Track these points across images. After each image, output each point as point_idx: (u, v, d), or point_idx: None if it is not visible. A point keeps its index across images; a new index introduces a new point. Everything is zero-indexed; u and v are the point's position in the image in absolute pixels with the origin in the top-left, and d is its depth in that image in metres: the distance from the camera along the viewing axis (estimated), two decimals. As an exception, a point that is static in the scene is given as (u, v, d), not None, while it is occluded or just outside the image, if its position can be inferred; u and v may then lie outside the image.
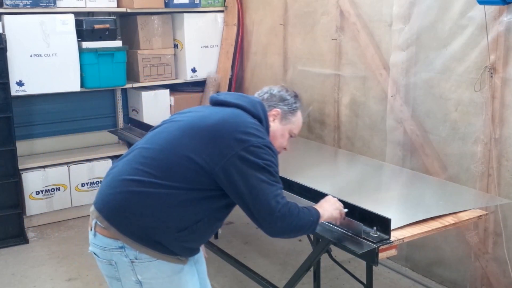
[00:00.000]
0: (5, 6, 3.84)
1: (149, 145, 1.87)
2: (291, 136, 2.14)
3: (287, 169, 2.98)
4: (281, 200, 1.78)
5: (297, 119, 2.12)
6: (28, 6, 3.90)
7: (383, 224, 2.00)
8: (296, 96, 2.13)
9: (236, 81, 4.86)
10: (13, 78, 3.88)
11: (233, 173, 1.75)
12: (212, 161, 1.77)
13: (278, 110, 2.07)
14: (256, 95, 2.14)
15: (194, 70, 4.67)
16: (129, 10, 4.32)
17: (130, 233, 1.78)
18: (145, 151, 1.86)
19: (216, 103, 2.00)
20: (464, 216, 2.25)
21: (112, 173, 1.89)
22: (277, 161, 1.87)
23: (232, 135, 1.79)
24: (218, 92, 2.05)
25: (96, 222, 1.83)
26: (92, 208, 1.89)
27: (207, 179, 1.78)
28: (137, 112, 4.58)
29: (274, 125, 2.06)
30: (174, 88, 4.74)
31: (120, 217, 1.79)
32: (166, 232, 1.79)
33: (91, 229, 1.87)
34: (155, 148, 1.85)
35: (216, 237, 3.98)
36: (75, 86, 4.13)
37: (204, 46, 4.72)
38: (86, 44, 4.12)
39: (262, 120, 1.96)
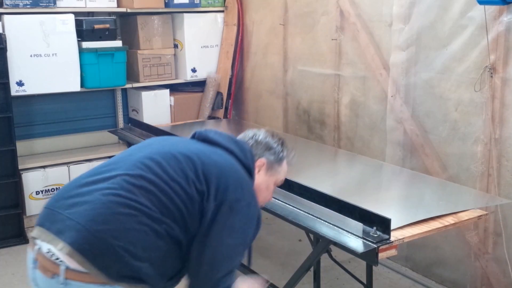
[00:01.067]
0: (5, 6, 3.83)
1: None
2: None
3: (287, 169, 2.98)
4: (228, 281, 1.66)
5: (283, 168, 1.95)
6: (28, 6, 3.90)
7: (383, 224, 2.00)
8: (282, 144, 1.95)
9: (236, 81, 4.86)
10: (13, 78, 3.88)
11: (220, 216, 1.63)
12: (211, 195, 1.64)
13: (264, 160, 1.88)
14: (240, 138, 1.96)
15: (194, 70, 4.67)
16: (129, 10, 4.32)
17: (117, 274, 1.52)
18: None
19: (204, 140, 1.84)
20: (464, 216, 2.25)
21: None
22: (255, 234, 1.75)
23: (232, 183, 1.67)
24: (205, 129, 1.89)
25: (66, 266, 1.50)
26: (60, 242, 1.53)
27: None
28: (137, 112, 4.58)
29: (259, 177, 1.87)
30: (174, 88, 4.74)
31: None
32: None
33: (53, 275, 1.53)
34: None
35: (216, 237, 3.98)
36: (75, 86, 4.13)
37: (204, 46, 4.71)
38: (86, 44, 4.12)
39: (251, 173, 1.81)
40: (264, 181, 1.88)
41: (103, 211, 1.53)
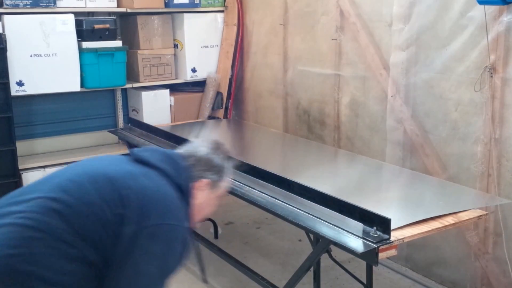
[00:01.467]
0: (5, 6, 3.83)
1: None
2: None
3: (287, 169, 2.99)
4: None
5: (227, 182, 1.90)
6: (28, 6, 3.90)
7: (383, 224, 2.01)
8: (227, 158, 1.89)
9: (236, 81, 4.86)
10: (13, 78, 3.88)
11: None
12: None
13: (206, 181, 1.81)
14: (184, 150, 1.87)
15: (194, 70, 4.67)
16: (129, 10, 4.32)
17: None
18: None
19: (137, 160, 1.77)
20: (464, 216, 2.25)
21: None
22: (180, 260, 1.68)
23: (157, 207, 1.61)
24: (142, 149, 1.83)
25: None
26: None
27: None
28: (137, 112, 4.58)
29: (202, 196, 1.81)
30: (174, 88, 4.74)
31: None
32: None
33: None
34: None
35: (216, 237, 3.99)
36: (75, 86, 4.13)
37: (204, 46, 4.72)
38: (86, 44, 4.12)
39: (185, 193, 1.74)
40: (206, 199, 1.84)
41: (14, 235, 1.50)
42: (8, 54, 3.79)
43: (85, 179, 1.64)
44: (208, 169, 1.82)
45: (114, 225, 1.57)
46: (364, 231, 2.04)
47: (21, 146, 4.16)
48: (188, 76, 4.66)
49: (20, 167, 3.99)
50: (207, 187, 1.82)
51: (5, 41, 3.75)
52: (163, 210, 1.62)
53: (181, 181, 1.73)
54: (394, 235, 2.02)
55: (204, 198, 1.82)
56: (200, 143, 1.90)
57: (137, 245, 1.57)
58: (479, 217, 2.29)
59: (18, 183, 3.95)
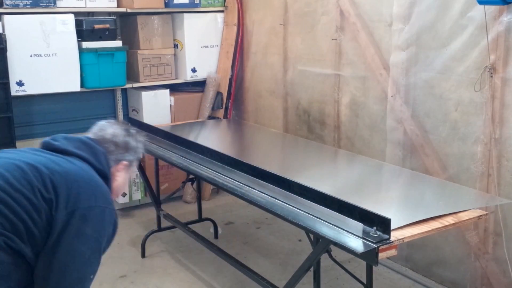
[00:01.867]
0: (5, 6, 3.83)
1: None
2: None
3: (287, 169, 2.98)
4: None
5: (140, 158, 2.06)
6: (28, 6, 3.90)
7: (383, 224, 2.00)
8: (140, 140, 2.03)
9: (236, 81, 4.86)
10: (13, 78, 3.88)
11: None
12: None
13: (126, 162, 1.94)
14: (93, 135, 1.97)
15: (194, 70, 4.67)
16: (129, 10, 4.32)
17: None
18: None
19: (53, 149, 1.82)
20: (464, 216, 2.25)
21: None
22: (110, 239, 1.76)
23: (85, 191, 1.68)
24: (53, 137, 1.94)
25: None
26: None
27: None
28: (137, 112, 4.58)
29: (121, 177, 1.93)
30: (174, 88, 4.74)
31: None
32: None
33: None
34: None
35: (216, 237, 3.99)
36: (75, 86, 4.13)
37: (204, 46, 4.72)
38: (86, 44, 4.12)
39: (108, 177, 1.83)
40: (124, 178, 1.96)
41: None
42: (8, 54, 3.79)
43: (7, 168, 1.65)
44: (126, 151, 1.94)
45: (44, 212, 1.60)
46: (364, 231, 2.03)
47: (21, 146, 4.16)
48: (188, 76, 4.66)
49: (20, 167, 3.99)
50: (125, 168, 1.94)
51: (5, 41, 3.75)
52: (92, 193, 1.69)
53: (101, 166, 1.81)
54: (394, 235, 2.02)
55: (122, 178, 1.94)
56: (108, 125, 1.99)
57: (69, 228, 1.61)
58: (479, 217, 2.29)
59: (18, 183, 3.95)
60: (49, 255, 1.61)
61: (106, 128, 1.98)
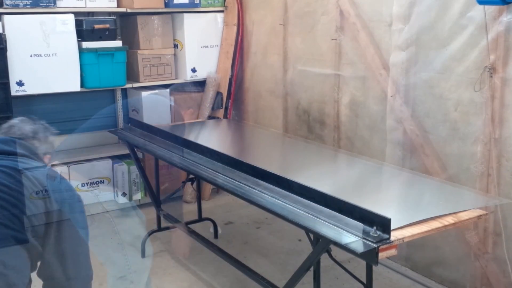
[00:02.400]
0: (5, 6, 3.84)
1: None
2: None
3: (287, 169, 2.98)
4: None
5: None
6: (28, 6, 3.90)
7: (383, 224, 2.00)
8: (52, 132, 2.29)
9: (236, 81, 4.87)
10: (13, 78, 3.88)
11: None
12: None
13: (49, 156, 2.23)
14: (12, 134, 2.19)
15: (194, 70, 4.68)
16: (129, 10, 4.32)
17: None
18: None
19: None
20: (464, 216, 2.25)
21: None
22: None
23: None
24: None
25: None
26: None
27: None
28: (137, 112, 4.58)
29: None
30: (174, 88, 4.74)
31: None
32: None
33: None
34: None
35: (216, 237, 3.99)
36: (75, 86, 4.14)
37: (204, 46, 4.72)
38: (86, 44, 4.12)
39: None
40: None
41: None
42: (8, 54, 3.79)
43: None
44: (50, 146, 2.22)
45: (38, 204, 1.83)
46: (364, 231, 2.03)
47: (21, 146, 4.15)
48: (188, 76, 4.66)
49: (20, 167, 3.99)
50: (49, 160, 2.20)
51: (5, 41, 3.76)
52: (65, 183, 1.98)
53: (40, 161, 2.07)
54: (394, 235, 2.02)
55: None
56: (21, 124, 2.24)
57: (64, 215, 1.85)
58: (479, 217, 2.29)
59: (18, 183, 3.95)
60: (56, 244, 1.88)
61: (19, 126, 2.25)
